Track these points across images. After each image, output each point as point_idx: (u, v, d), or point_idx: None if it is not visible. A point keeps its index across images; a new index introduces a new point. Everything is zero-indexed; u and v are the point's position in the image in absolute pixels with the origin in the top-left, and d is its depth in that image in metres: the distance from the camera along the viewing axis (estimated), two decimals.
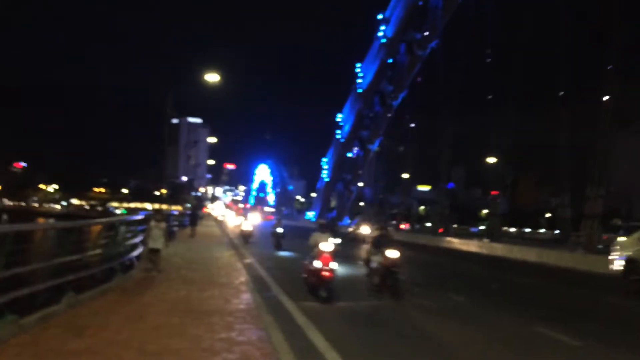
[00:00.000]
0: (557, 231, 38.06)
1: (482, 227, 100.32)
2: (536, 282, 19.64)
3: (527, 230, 66.28)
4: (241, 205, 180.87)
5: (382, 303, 11.79)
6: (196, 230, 29.57)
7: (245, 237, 29.35)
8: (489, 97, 38.53)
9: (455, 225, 65.73)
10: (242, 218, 51.46)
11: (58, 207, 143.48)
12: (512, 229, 70.12)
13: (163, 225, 13.91)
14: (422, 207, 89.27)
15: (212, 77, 36.12)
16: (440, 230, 44.29)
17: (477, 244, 31.29)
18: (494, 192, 35.04)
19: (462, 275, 21.07)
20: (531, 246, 29.43)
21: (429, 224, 75.69)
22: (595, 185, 26.70)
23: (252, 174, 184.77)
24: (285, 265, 20.47)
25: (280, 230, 26.61)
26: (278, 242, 25.75)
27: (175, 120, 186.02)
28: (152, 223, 13.75)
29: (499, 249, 27.88)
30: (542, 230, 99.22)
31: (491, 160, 55.88)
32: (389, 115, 63.97)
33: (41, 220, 69.61)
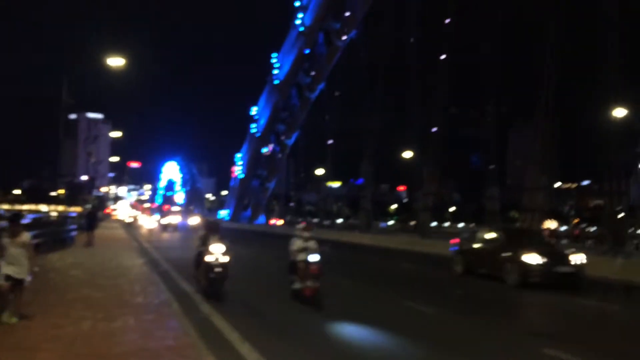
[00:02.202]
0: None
1: (390, 223, 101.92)
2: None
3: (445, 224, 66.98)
4: (147, 205, 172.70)
5: None
6: (94, 236, 23.69)
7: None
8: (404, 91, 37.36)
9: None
10: (167, 218, 51.17)
11: None
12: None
13: (25, 238, 8.28)
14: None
15: (115, 62, 32.37)
16: None
17: (409, 240, 29.80)
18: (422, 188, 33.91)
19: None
20: None
21: (339, 220, 75.01)
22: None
23: (159, 172, 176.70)
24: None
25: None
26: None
27: (73, 116, 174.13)
28: (5, 239, 8.19)
29: (431, 246, 26.60)
30: (447, 224, 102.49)
31: (406, 155, 55.60)
32: (306, 108, 61.88)
33: None
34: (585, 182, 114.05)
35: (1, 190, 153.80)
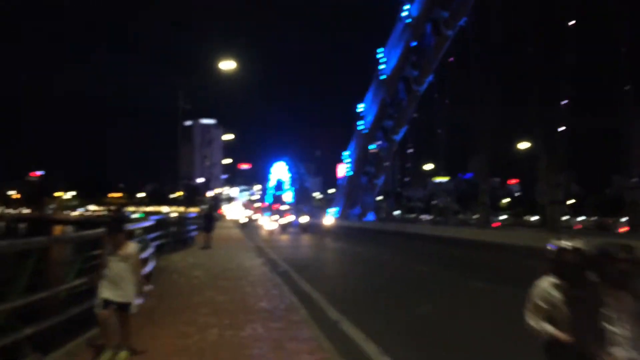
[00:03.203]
0: None
1: (503, 217, 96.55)
2: None
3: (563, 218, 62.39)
4: (258, 205, 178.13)
5: None
6: (212, 237, 23.09)
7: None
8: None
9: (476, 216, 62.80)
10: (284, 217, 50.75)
11: (75, 213, 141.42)
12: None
13: (131, 250, 6.21)
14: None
15: (227, 65, 33.06)
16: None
17: (537, 236, 27.52)
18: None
19: None
20: None
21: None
22: None
23: (268, 172, 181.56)
24: (325, 270, 16.99)
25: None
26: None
27: (189, 122, 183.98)
28: (105, 252, 6.17)
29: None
30: (565, 218, 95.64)
31: (522, 146, 52.15)
32: (414, 103, 60.11)
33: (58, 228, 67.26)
34: None
35: (127, 194, 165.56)
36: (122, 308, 6.03)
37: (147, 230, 13.03)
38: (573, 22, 30.12)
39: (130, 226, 11.86)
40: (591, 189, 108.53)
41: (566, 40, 30.48)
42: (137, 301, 6.14)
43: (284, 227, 46.26)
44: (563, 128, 31.62)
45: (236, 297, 10.50)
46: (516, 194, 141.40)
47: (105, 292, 5.98)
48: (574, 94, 32.74)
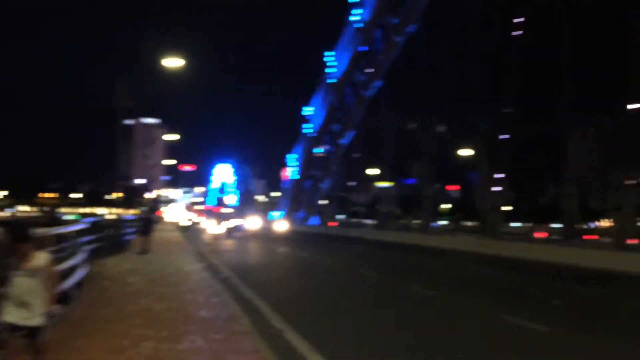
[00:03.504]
0: None
1: (443, 223, 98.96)
2: None
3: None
4: (200, 207, 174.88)
5: None
6: (150, 241, 21.63)
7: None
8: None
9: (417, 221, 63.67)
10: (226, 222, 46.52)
11: (4, 214, 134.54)
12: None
13: (41, 261, 4.83)
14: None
15: (173, 63, 31.90)
16: None
17: (477, 242, 27.97)
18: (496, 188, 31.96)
19: None
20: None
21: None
22: None
23: (211, 175, 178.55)
24: (269, 275, 16.55)
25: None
26: None
27: (130, 121, 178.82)
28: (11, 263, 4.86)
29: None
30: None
31: (464, 153, 53.29)
32: (362, 107, 60.38)
33: None
34: None
35: (62, 194, 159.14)
36: (32, 333, 4.72)
37: (80, 233, 12.20)
38: (519, 32, 30.86)
39: (61, 229, 11.09)
40: (525, 196, 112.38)
41: (511, 49, 31.21)
42: (43, 322, 4.78)
43: (229, 232, 44.21)
44: (506, 136, 32.30)
45: (174, 305, 9.92)
46: (455, 200, 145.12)
47: (10, 314, 4.67)
48: (517, 102, 33.55)
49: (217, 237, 39.24)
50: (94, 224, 17.12)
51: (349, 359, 7.17)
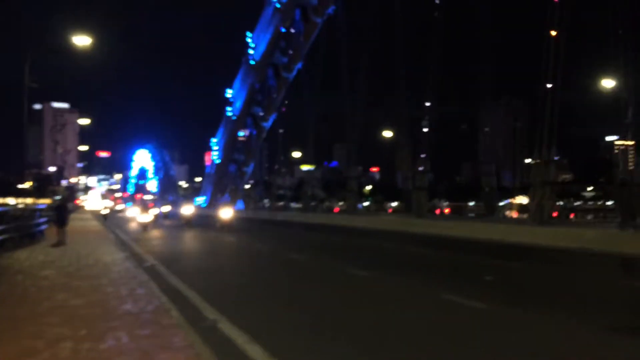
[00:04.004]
0: None
1: (366, 204, 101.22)
2: None
3: None
4: (119, 195, 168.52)
5: None
6: (65, 232, 19.96)
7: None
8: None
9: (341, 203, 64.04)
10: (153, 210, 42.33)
11: None
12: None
13: None
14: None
15: (81, 41, 29.88)
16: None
17: (405, 221, 28.28)
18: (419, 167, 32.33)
19: None
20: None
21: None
22: None
23: (130, 160, 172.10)
24: (199, 264, 15.84)
25: None
26: None
27: (38, 106, 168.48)
28: None
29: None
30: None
31: (387, 135, 54.08)
32: (283, 89, 59.57)
33: None
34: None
35: None
36: None
37: None
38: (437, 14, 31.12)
39: None
40: (442, 175, 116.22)
41: (432, 33, 31.50)
42: None
43: (156, 219, 41.17)
44: (426, 119, 32.70)
45: (95, 299, 9.10)
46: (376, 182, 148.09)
47: None
48: (437, 85, 34.03)
49: (144, 226, 34.94)
50: (0, 213, 15.69)
51: (290, 350, 6.73)
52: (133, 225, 39.67)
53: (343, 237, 26.46)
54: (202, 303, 9.42)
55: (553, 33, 21.91)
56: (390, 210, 71.79)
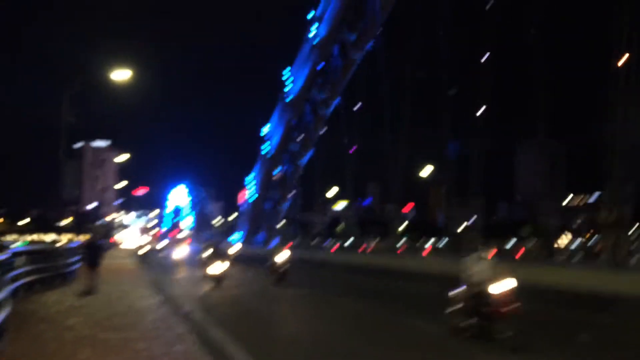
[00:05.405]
0: None
1: (400, 243, 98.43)
2: None
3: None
4: (155, 231, 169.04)
5: None
6: (98, 274, 16.95)
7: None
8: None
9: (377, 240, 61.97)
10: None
11: None
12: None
13: None
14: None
15: (121, 75, 29.52)
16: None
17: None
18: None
19: None
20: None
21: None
22: None
23: (166, 197, 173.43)
24: (236, 310, 14.33)
25: None
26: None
27: (78, 145, 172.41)
28: None
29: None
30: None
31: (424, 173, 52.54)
32: (321, 126, 58.77)
33: None
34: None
35: (9, 220, 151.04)
36: None
37: (4, 265, 9.78)
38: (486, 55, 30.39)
39: None
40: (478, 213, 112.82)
41: (482, 72, 30.72)
42: None
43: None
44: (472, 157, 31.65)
45: (123, 358, 7.67)
46: (410, 219, 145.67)
47: None
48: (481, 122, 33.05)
49: (217, 278, 21.84)
50: (24, 253, 14.59)
51: None
52: (186, 277, 29.60)
53: (397, 282, 23.90)
54: None
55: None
56: (429, 249, 68.59)
